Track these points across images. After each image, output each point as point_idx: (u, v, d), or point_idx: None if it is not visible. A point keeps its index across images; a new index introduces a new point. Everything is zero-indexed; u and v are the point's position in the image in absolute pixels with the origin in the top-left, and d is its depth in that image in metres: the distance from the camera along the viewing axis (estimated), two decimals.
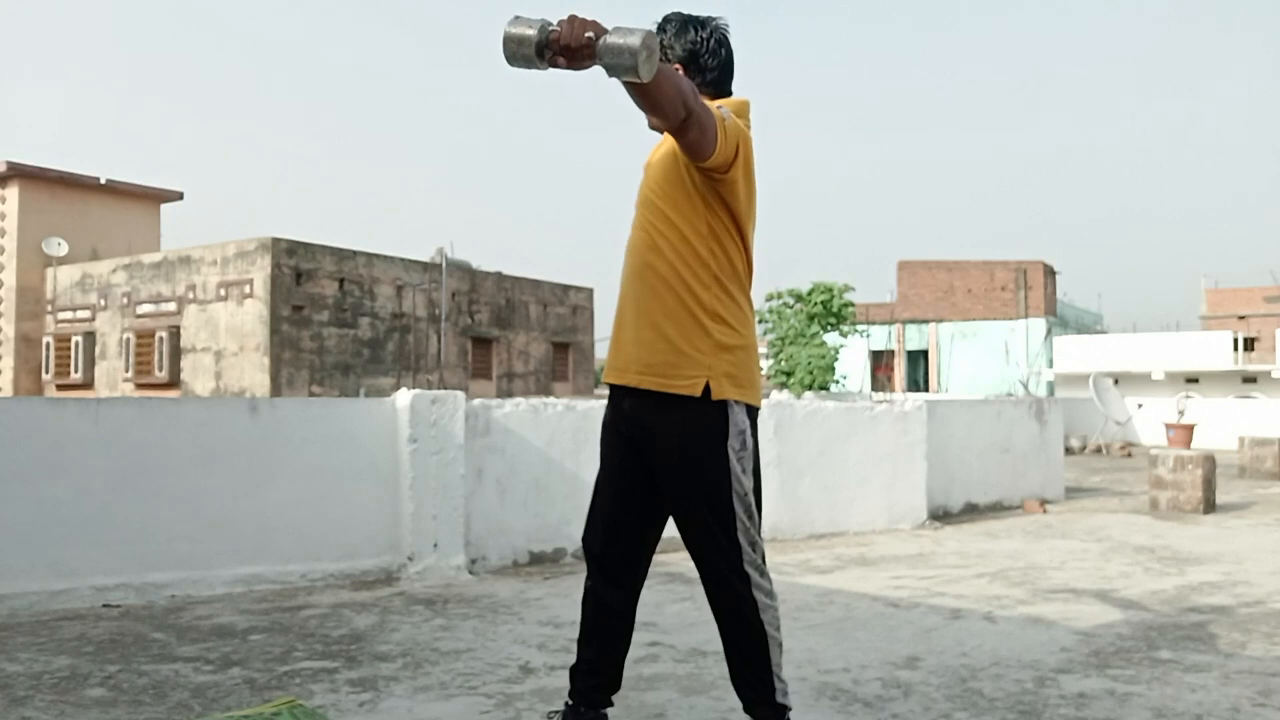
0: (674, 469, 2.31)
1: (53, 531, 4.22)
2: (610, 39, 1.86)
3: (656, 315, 2.30)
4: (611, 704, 2.51)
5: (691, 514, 2.32)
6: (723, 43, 2.44)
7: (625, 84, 1.96)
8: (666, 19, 2.44)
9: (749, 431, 2.32)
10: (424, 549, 4.89)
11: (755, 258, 2.45)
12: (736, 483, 2.28)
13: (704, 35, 2.41)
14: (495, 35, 1.95)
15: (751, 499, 2.32)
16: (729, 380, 2.28)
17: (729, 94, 2.47)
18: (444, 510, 4.94)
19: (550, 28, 1.91)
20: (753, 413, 2.36)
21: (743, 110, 2.41)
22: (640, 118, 2.45)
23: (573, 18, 1.91)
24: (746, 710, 2.38)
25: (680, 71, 2.38)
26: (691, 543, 2.36)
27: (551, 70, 1.94)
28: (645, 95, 1.99)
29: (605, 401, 2.58)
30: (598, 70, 1.95)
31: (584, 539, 2.53)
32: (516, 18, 1.92)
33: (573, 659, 3.30)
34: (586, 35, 1.88)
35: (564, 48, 1.89)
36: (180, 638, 3.67)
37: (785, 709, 2.35)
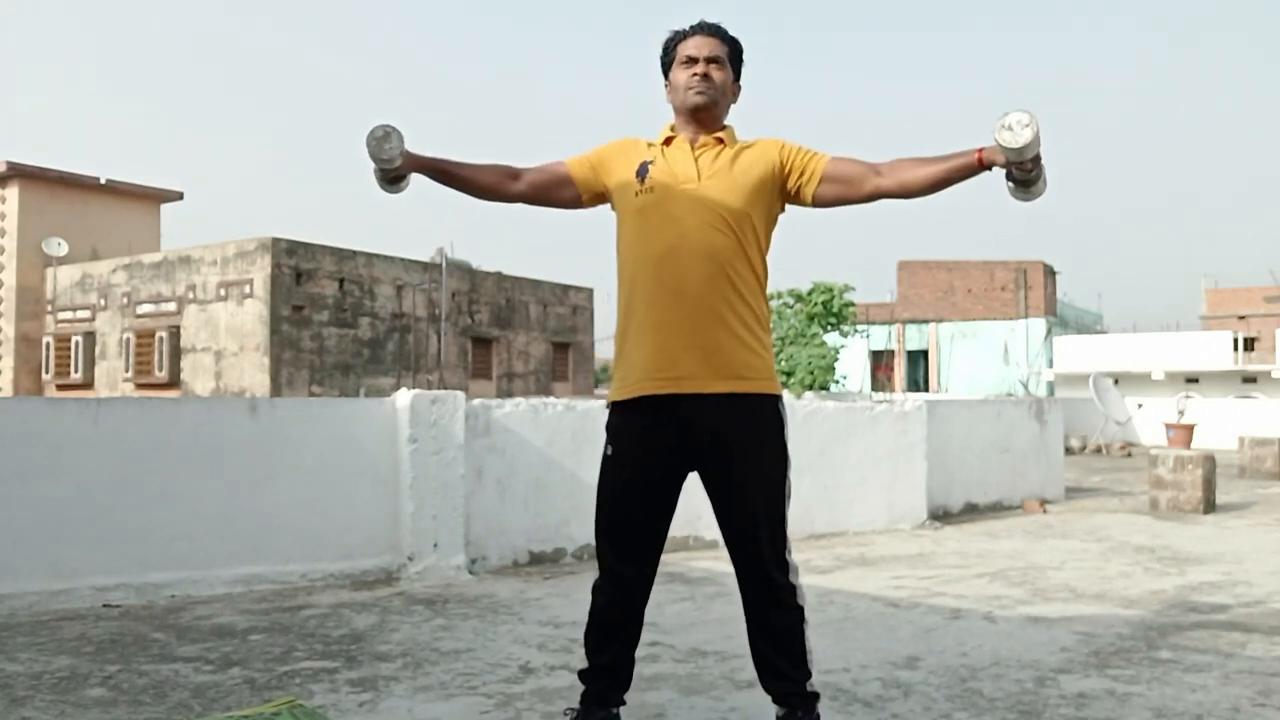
0: (752, 466, 2.39)
1: (53, 531, 4.22)
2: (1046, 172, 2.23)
3: (739, 326, 2.37)
4: (624, 702, 2.51)
5: (757, 508, 2.39)
6: None
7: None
8: (728, 30, 2.52)
9: None
10: (424, 549, 4.89)
11: None
12: (790, 472, 2.45)
13: None
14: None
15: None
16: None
17: None
18: (444, 510, 4.94)
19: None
20: None
21: None
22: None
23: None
24: (779, 701, 2.42)
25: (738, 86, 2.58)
26: (746, 536, 2.40)
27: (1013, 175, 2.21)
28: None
29: (604, 402, 2.58)
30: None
31: (609, 555, 2.44)
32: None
33: (574, 658, 3.31)
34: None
35: (1037, 157, 2.14)
36: (180, 638, 3.67)
37: (817, 695, 2.43)
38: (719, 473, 2.40)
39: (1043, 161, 2.17)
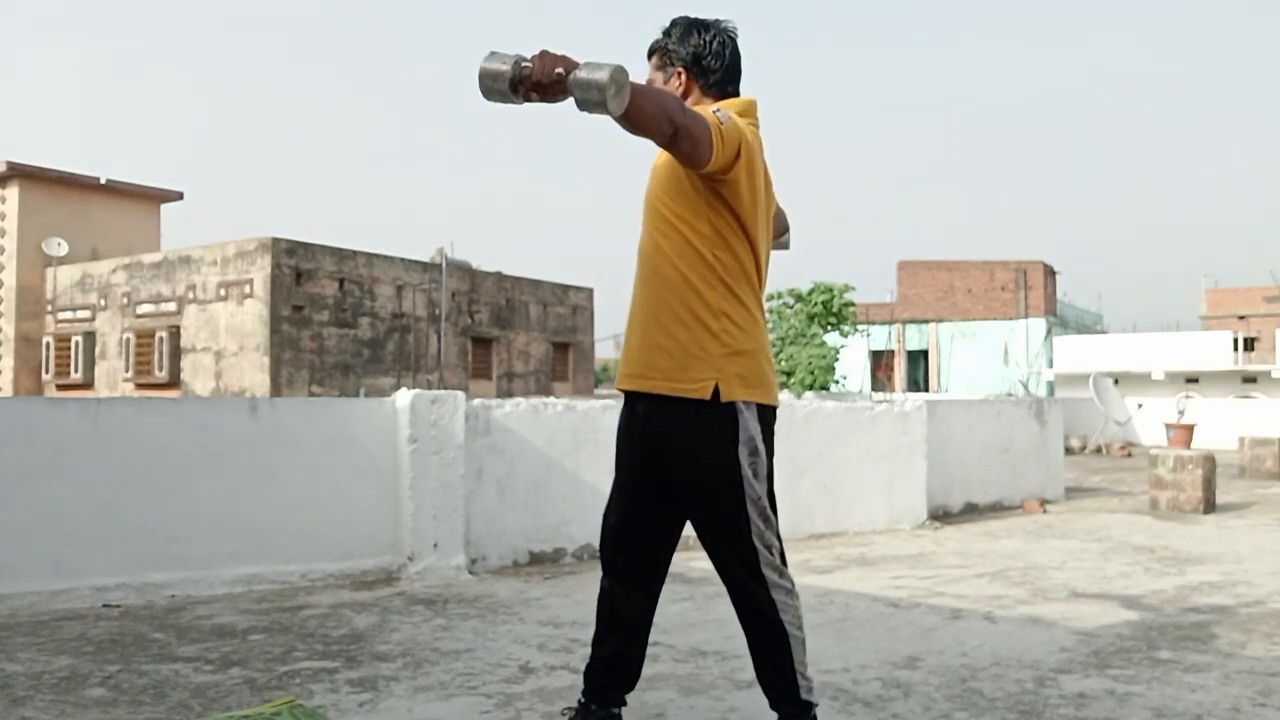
0: (688, 473, 2.34)
1: (53, 531, 4.22)
2: (579, 74, 1.89)
3: (664, 319, 2.32)
4: (625, 703, 2.51)
5: (706, 518, 2.36)
6: (726, 44, 2.45)
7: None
8: (673, 23, 2.48)
9: (760, 435, 2.32)
10: (424, 549, 4.89)
11: (769, 258, 2.47)
12: (749, 487, 2.29)
13: (708, 38, 2.42)
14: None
15: (765, 502, 2.33)
16: (739, 382, 2.29)
17: (735, 95, 2.47)
18: (444, 510, 4.94)
19: (524, 63, 1.94)
20: (766, 414, 2.36)
21: (748, 109, 2.43)
22: None
23: (544, 53, 1.94)
24: (773, 708, 2.40)
25: (684, 75, 2.44)
26: (708, 545, 2.38)
27: (526, 104, 1.97)
28: (626, 121, 2.01)
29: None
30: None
31: (600, 543, 2.53)
32: (492, 53, 1.93)
33: (574, 658, 3.31)
34: (557, 71, 1.92)
35: (536, 83, 1.93)
36: (180, 638, 3.67)
37: (811, 705, 2.38)
38: (673, 481, 2.38)
39: (540, 80, 1.91)
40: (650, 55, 2.50)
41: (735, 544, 2.32)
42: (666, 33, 2.47)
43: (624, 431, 2.49)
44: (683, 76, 2.44)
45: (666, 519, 2.45)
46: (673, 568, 5.12)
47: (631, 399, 2.44)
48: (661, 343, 2.31)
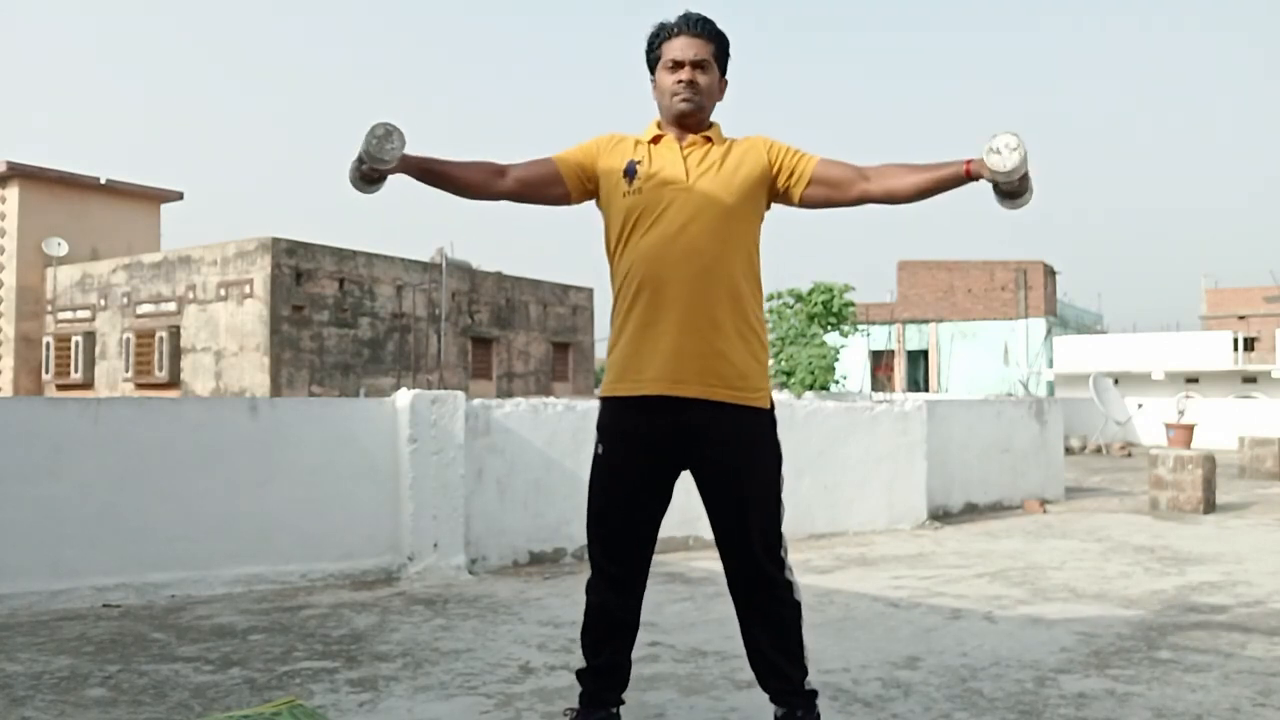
0: (739, 473, 2.38)
1: (53, 531, 4.22)
2: (1030, 180, 2.23)
3: (727, 329, 2.34)
4: (623, 701, 2.52)
5: (748, 513, 2.39)
6: None
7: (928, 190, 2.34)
8: (712, 23, 2.46)
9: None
10: (424, 549, 4.89)
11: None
12: (781, 478, 2.45)
13: None
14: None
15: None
16: (772, 389, 2.47)
17: None
18: (444, 510, 4.94)
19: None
20: None
21: None
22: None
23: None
24: (776, 701, 2.43)
25: (725, 84, 2.54)
26: (737, 539, 2.40)
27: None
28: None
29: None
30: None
31: (594, 554, 2.47)
32: (1012, 149, 2.16)
33: (574, 658, 3.31)
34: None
35: (1024, 176, 2.17)
36: (180, 638, 3.67)
37: (815, 694, 2.44)
38: (710, 476, 2.40)
39: (1028, 172, 2.20)
40: (706, 38, 2.42)
41: (769, 535, 2.40)
42: (718, 35, 2.45)
43: (630, 440, 2.39)
44: (725, 85, 2.53)
45: (659, 518, 2.47)
46: (673, 567, 5.15)
47: (652, 403, 2.33)
48: (724, 350, 2.33)
